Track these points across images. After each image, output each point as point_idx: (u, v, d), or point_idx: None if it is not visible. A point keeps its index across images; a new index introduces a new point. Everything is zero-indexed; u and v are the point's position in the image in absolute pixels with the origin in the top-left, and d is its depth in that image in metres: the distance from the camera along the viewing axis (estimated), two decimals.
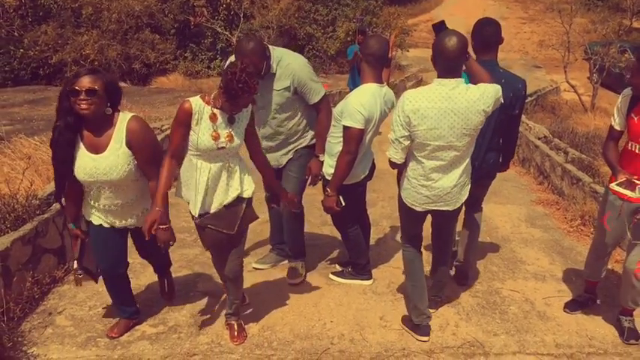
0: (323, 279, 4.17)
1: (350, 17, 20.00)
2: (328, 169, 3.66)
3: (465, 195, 3.29)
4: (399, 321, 3.62)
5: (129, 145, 2.90)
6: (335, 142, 3.60)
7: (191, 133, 2.91)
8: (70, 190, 3.02)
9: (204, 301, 3.80)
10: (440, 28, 3.22)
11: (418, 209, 3.27)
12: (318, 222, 5.16)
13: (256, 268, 4.28)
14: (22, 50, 18.09)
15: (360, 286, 4.07)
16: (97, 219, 3.09)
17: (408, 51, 20.82)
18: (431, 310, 3.60)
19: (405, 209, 3.36)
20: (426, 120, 2.96)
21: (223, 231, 3.07)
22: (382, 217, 5.48)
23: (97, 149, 2.88)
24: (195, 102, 2.91)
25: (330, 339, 3.44)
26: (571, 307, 3.86)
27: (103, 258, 3.21)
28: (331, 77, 17.20)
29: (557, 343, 3.49)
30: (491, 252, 4.80)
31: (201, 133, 2.89)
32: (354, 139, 3.44)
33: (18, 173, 4.47)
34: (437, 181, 3.14)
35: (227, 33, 18.81)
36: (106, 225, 3.10)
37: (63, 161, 2.88)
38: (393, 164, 3.22)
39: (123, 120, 2.92)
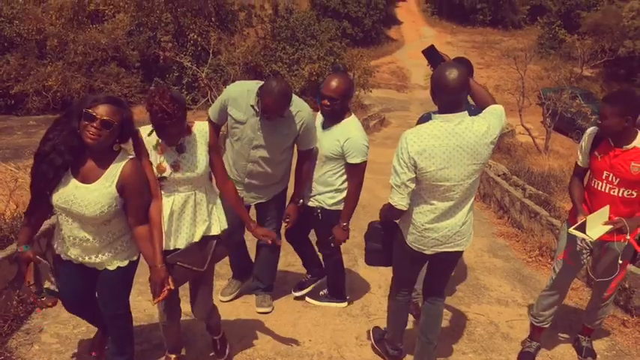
0: (299, 302, 4.33)
1: (314, 58, 20.51)
2: (328, 200, 3.80)
3: (472, 232, 3.11)
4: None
5: (120, 188, 2.66)
6: (336, 177, 3.75)
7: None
8: (35, 210, 2.77)
9: (186, 321, 3.90)
10: (431, 53, 3.13)
11: (427, 252, 3.06)
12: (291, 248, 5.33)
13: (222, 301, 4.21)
14: None
15: (336, 309, 4.24)
16: (67, 255, 2.84)
17: (370, 91, 21.39)
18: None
19: (409, 254, 3.12)
20: (434, 160, 2.77)
21: (193, 268, 2.91)
22: (353, 245, 5.69)
23: (84, 178, 2.64)
24: (143, 130, 2.77)
25: (310, 356, 3.60)
26: (527, 359, 3.75)
27: (67, 295, 2.98)
28: None
29: None
30: (457, 279, 5.06)
31: (155, 164, 2.79)
32: (363, 171, 3.69)
33: (2, 195, 4.53)
34: (443, 221, 2.96)
35: (195, 68, 19.03)
36: (75, 262, 2.84)
37: (47, 179, 2.60)
38: (395, 212, 2.97)
39: (122, 159, 2.67)
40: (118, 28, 20.38)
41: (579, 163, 3.54)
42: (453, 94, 2.75)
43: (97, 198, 2.62)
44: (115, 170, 2.65)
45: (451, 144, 2.77)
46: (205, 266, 2.95)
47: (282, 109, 3.43)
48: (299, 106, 3.61)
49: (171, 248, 2.90)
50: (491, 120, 2.87)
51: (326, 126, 3.76)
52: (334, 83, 3.56)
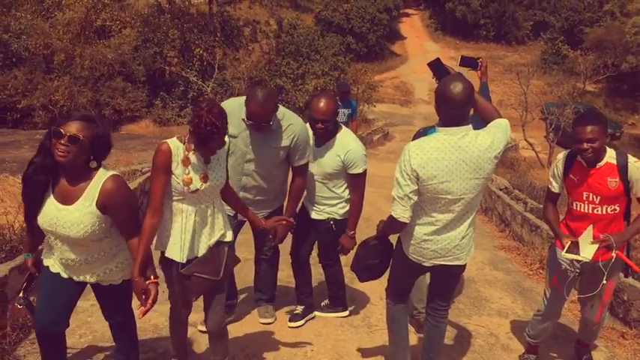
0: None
1: (318, 73, 20.69)
2: (340, 210, 3.88)
3: (472, 247, 3.09)
4: (374, 351, 3.86)
5: (101, 206, 2.61)
6: (343, 188, 3.84)
7: (172, 178, 2.78)
8: (35, 224, 2.73)
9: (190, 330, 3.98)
10: (437, 66, 3.14)
11: (426, 264, 3.04)
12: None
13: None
14: None
15: (338, 319, 4.30)
16: (55, 267, 2.81)
17: (374, 106, 21.53)
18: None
19: (408, 265, 3.11)
20: (436, 173, 2.77)
21: (210, 278, 2.93)
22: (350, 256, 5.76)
23: (64, 200, 2.61)
24: (173, 143, 2.78)
25: None
26: None
27: (44, 310, 2.82)
28: None
29: None
30: (457, 291, 5.11)
31: (183, 177, 2.79)
32: (365, 179, 3.79)
33: (11, 207, 4.63)
34: (443, 234, 2.94)
35: (200, 82, 19.25)
36: (64, 275, 2.81)
37: (31, 201, 2.64)
38: (397, 225, 2.95)
39: (101, 177, 2.62)
40: (124, 43, 20.68)
41: (553, 190, 3.55)
42: (458, 107, 2.75)
43: (78, 219, 2.59)
44: (95, 189, 2.60)
45: (454, 157, 2.77)
46: (221, 274, 2.98)
47: (268, 115, 3.42)
48: (290, 120, 3.64)
49: (192, 258, 2.92)
50: (496, 134, 2.86)
51: (320, 144, 3.80)
52: (323, 106, 3.63)
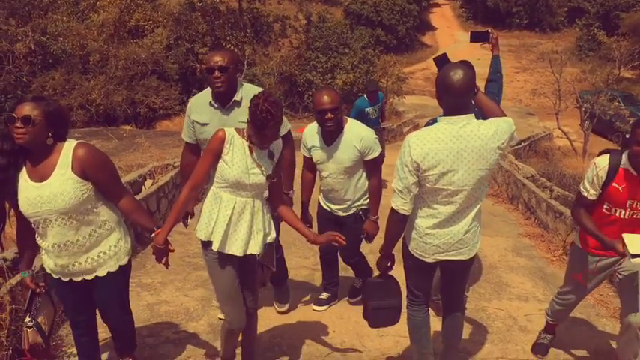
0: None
1: (347, 67, 20.77)
2: (364, 201, 3.94)
3: (478, 241, 3.01)
4: (394, 331, 4.00)
5: (79, 171, 2.68)
6: (364, 179, 3.88)
7: (220, 162, 2.86)
8: (21, 229, 2.85)
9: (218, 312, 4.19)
10: (442, 61, 3.16)
11: (428, 260, 2.97)
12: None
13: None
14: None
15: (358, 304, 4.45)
16: (52, 266, 2.84)
17: (404, 97, 21.53)
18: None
19: (412, 261, 3.05)
20: (438, 164, 2.71)
21: (271, 267, 3.09)
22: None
23: (41, 177, 2.66)
24: (229, 131, 2.89)
25: (334, 345, 3.84)
26: (540, 350, 3.87)
27: (65, 305, 3.10)
28: None
29: None
30: (478, 277, 5.21)
31: (233, 164, 2.84)
32: (381, 162, 3.88)
33: None
34: (446, 227, 2.88)
35: None
36: (64, 279, 2.85)
37: (7, 194, 2.68)
38: (398, 218, 2.88)
39: (69, 147, 2.69)
40: (156, 42, 21.13)
41: (588, 197, 3.24)
42: (458, 95, 2.68)
43: (60, 188, 2.64)
44: (66, 157, 2.67)
45: (455, 147, 2.70)
46: (274, 265, 3.18)
47: (230, 63, 3.37)
48: (252, 91, 3.38)
49: (225, 252, 2.94)
50: (500, 124, 2.78)
51: (332, 141, 3.78)
52: (327, 96, 3.63)
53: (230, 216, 2.89)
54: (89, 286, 2.89)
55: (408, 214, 2.85)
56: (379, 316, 3.25)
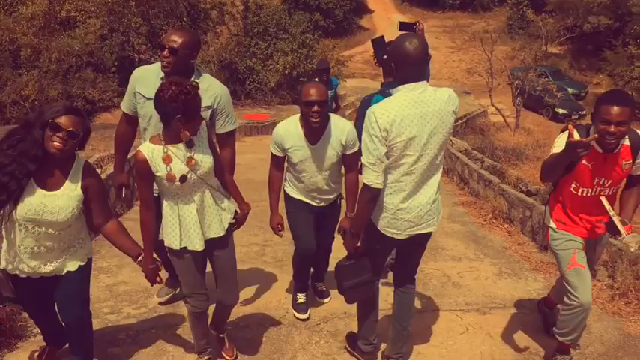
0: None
1: (286, 51, 20.91)
2: (342, 189, 3.83)
3: (440, 212, 3.07)
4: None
5: (84, 190, 2.77)
6: (342, 169, 3.75)
7: (157, 179, 2.84)
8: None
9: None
10: (380, 43, 3.26)
11: (400, 237, 2.98)
12: None
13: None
14: None
15: None
16: (21, 268, 2.82)
17: (345, 81, 21.84)
18: None
19: (381, 241, 3.04)
20: (405, 129, 2.73)
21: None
22: None
23: (48, 186, 2.69)
24: (147, 149, 2.80)
25: (285, 310, 4.17)
26: (547, 329, 3.81)
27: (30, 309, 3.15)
28: (273, 108, 18.04)
29: (467, 302, 4.34)
30: None
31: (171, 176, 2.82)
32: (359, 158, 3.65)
33: None
34: (415, 200, 2.90)
35: None
36: (34, 276, 2.85)
37: (10, 195, 2.62)
38: (373, 194, 2.84)
39: (79, 163, 2.78)
40: (90, 32, 20.63)
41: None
42: (416, 62, 2.74)
43: (66, 202, 2.71)
44: (77, 173, 2.75)
45: (418, 112, 2.75)
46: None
47: (182, 47, 3.23)
48: (209, 80, 3.43)
49: (207, 239, 2.99)
50: (450, 91, 2.90)
51: (317, 139, 3.57)
52: (314, 88, 3.43)
53: (197, 213, 2.91)
54: (51, 282, 2.90)
55: (381, 187, 2.83)
56: (354, 292, 3.24)
